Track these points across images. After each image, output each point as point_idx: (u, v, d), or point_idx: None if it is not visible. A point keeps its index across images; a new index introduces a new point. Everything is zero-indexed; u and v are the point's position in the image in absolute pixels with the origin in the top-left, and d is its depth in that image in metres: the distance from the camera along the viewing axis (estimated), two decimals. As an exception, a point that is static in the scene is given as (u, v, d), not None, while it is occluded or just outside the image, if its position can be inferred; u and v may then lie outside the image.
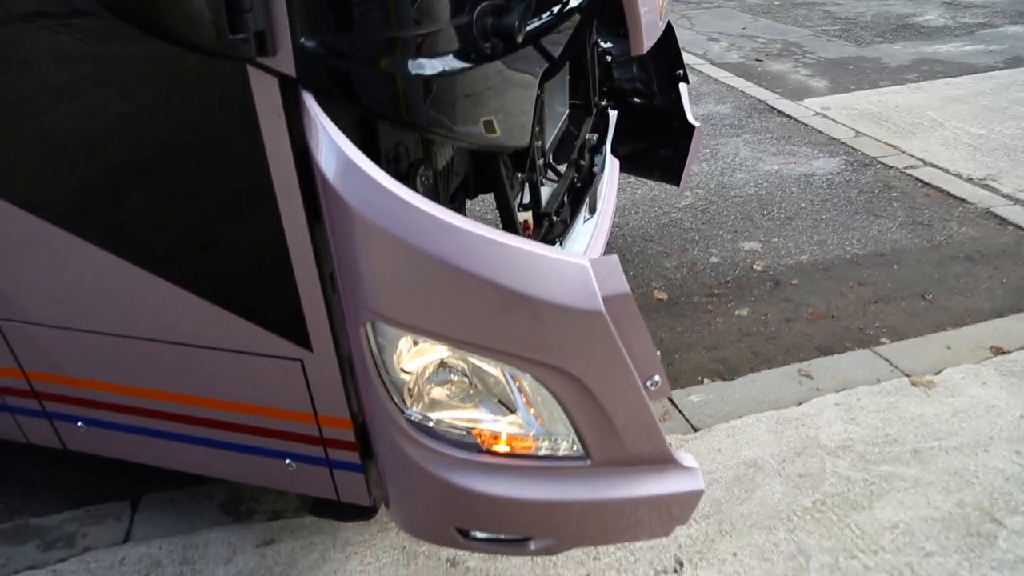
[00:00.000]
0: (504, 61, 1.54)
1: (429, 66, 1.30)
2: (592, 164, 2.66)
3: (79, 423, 1.88)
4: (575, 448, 1.42)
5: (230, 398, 1.68)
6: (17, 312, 1.73)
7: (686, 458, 1.47)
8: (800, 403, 2.50)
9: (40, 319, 1.72)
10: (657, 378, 1.35)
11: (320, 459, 1.69)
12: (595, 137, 2.71)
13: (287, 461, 1.72)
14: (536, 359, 1.27)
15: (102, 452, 1.96)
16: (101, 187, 1.48)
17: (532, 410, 1.41)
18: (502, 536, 1.59)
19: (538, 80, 1.76)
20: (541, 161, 2.04)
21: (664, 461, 1.45)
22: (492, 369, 1.40)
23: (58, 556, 2.02)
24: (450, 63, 1.35)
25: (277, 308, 1.47)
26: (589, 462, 1.41)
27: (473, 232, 1.19)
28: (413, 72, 1.27)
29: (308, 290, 1.41)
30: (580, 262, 1.22)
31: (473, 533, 1.59)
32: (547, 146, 2.15)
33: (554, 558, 1.93)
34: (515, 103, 1.67)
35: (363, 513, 1.80)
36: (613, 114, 3.15)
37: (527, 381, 1.36)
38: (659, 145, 3.30)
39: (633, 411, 1.35)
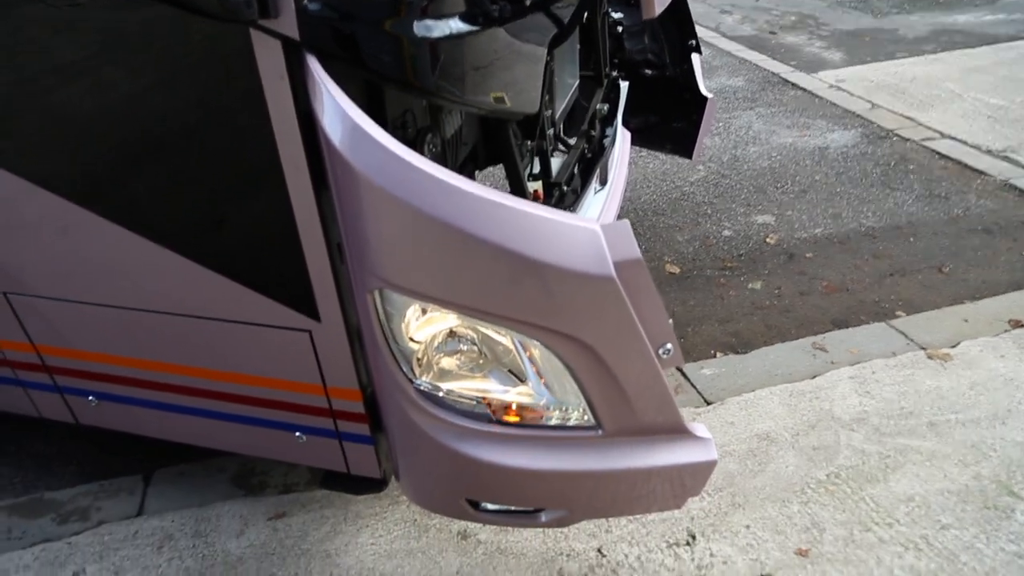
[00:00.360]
0: (512, 26, 1.51)
1: (436, 28, 1.27)
2: (603, 135, 2.62)
3: (90, 397, 1.88)
4: (586, 418, 1.40)
5: (240, 370, 1.67)
6: (27, 286, 1.72)
7: (699, 428, 1.45)
8: (814, 376, 2.48)
9: (50, 292, 1.71)
10: (669, 346, 1.33)
11: (330, 431, 1.68)
12: (606, 108, 2.67)
13: (297, 433, 1.72)
14: (546, 326, 1.25)
15: (114, 426, 1.97)
16: (105, 158, 1.46)
17: (542, 379, 1.39)
18: (513, 508, 1.59)
19: (547, 46, 1.73)
20: (551, 131, 2.01)
21: (677, 431, 1.43)
22: (502, 338, 1.38)
23: (72, 529, 2.04)
24: (458, 25, 1.32)
25: (285, 278, 1.46)
26: (600, 432, 1.40)
27: (481, 196, 1.16)
28: (420, 34, 1.24)
29: (315, 259, 1.39)
30: (591, 226, 1.20)
31: (484, 505, 1.59)
32: (557, 115, 2.12)
33: (565, 531, 1.92)
34: (524, 68, 1.64)
35: (373, 486, 1.80)
36: (624, 85, 3.10)
37: (537, 350, 1.34)
38: (671, 117, 3.25)
39: (645, 379, 1.33)
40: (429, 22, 1.26)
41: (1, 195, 1.57)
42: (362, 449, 1.69)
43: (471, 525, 1.93)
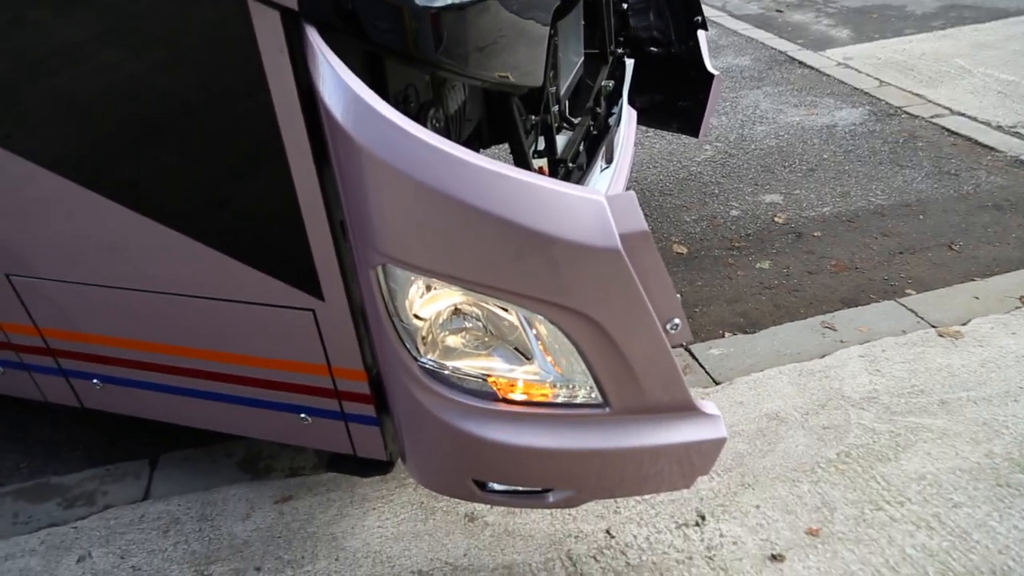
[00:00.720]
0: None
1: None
2: (609, 113, 2.59)
3: (95, 380, 1.87)
4: (593, 395, 1.38)
5: (244, 351, 1.66)
6: (30, 267, 1.71)
7: (708, 405, 1.43)
8: (823, 355, 2.45)
9: (53, 274, 1.70)
10: (677, 321, 1.30)
11: (335, 413, 1.67)
12: (611, 85, 2.63)
13: (302, 415, 1.70)
14: (551, 300, 1.23)
15: (119, 410, 1.96)
16: (105, 138, 1.44)
17: (549, 357, 1.37)
18: (520, 488, 1.57)
19: (550, 17, 1.69)
20: (556, 107, 1.98)
21: (685, 408, 1.41)
22: (507, 315, 1.36)
23: (79, 514, 2.03)
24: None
25: (287, 257, 1.44)
26: (608, 410, 1.38)
27: (484, 167, 1.14)
28: (422, 3, 1.21)
29: (318, 237, 1.37)
30: (596, 197, 1.18)
31: (490, 485, 1.57)
32: (562, 93, 2.08)
33: (573, 512, 1.91)
34: (528, 41, 1.60)
35: (380, 468, 1.79)
36: (630, 63, 3.06)
37: (543, 326, 1.32)
38: (677, 96, 3.21)
39: (653, 355, 1.31)
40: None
41: (4, 176, 1.56)
42: (368, 431, 1.68)
43: (478, 507, 1.92)
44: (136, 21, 1.28)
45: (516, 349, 1.41)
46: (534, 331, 1.35)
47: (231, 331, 1.64)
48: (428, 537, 1.86)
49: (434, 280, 1.27)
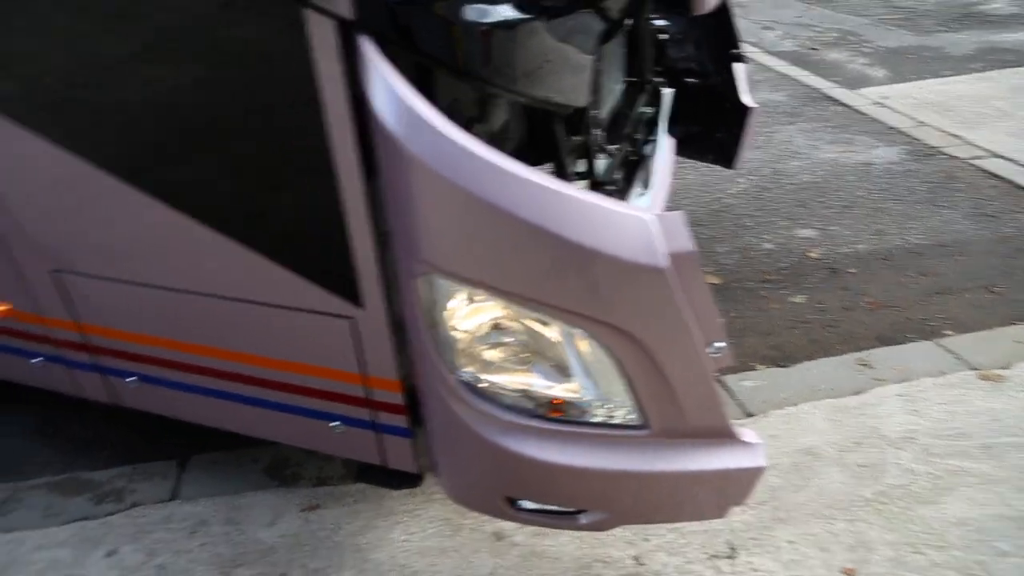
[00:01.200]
0: (566, 17, 1.47)
1: (493, 14, 1.24)
2: (646, 140, 2.57)
3: (131, 378, 1.87)
4: (632, 416, 1.35)
5: (279, 356, 1.64)
6: (75, 264, 1.72)
7: (747, 433, 1.39)
8: (859, 392, 2.38)
9: (97, 272, 1.71)
10: (720, 344, 1.27)
11: (367, 422, 1.65)
12: (649, 112, 2.62)
13: (334, 423, 1.68)
14: (595, 316, 1.20)
15: (152, 409, 1.96)
16: (155, 139, 1.45)
17: (589, 375, 1.34)
18: (552, 507, 1.53)
19: (596, 41, 1.69)
20: (596, 131, 1.96)
21: (725, 435, 1.37)
22: (548, 330, 1.33)
23: (108, 510, 2.02)
24: (515, 13, 1.28)
25: (328, 263, 1.43)
26: (647, 431, 1.34)
27: (534, 181, 1.12)
28: (476, 20, 1.21)
29: (360, 244, 1.36)
30: (645, 216, 1.15)
31: (522, 503, 1.53)
32: (602, 116, 2.07)
33: (602, 536, 1.86)
34: (574, 62, 1.59)
35: (409, 480, 1.76)
36: (668, 92, 3.05)
37: (585, 343, 1.29)
38: (713, 127, 3.19)
39: (694, 378, 1.28)
40: (485, 7, 1.23)
41: (54, 175, 1.58)
42: (399, 442, 1.65)
43: (506, 526, 1.87)
44: (193, 27, 1.29)
45: (555, 366, 1.38)
46: (575, 348, 1.32)
47: (268, 335, 1.63)
48: (455, 554, 1.81)
49: (479, 292, 1.25)
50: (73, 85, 1.44)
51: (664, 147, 2.81)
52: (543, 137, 1.68)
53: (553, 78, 1.49)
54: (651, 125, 2.67)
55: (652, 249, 1.14)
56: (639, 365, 1.25)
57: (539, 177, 1.13)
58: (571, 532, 1.85)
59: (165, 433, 2.21)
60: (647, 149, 2.55)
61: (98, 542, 1.91)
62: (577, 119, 1.76)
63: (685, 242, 1.16)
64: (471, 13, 1.21)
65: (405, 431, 1.62)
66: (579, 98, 1.62)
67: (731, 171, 3.66)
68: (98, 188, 1.53)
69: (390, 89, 1.16)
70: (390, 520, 1.91)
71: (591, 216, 1.14)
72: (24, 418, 2.46)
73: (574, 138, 1.80)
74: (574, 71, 1.59)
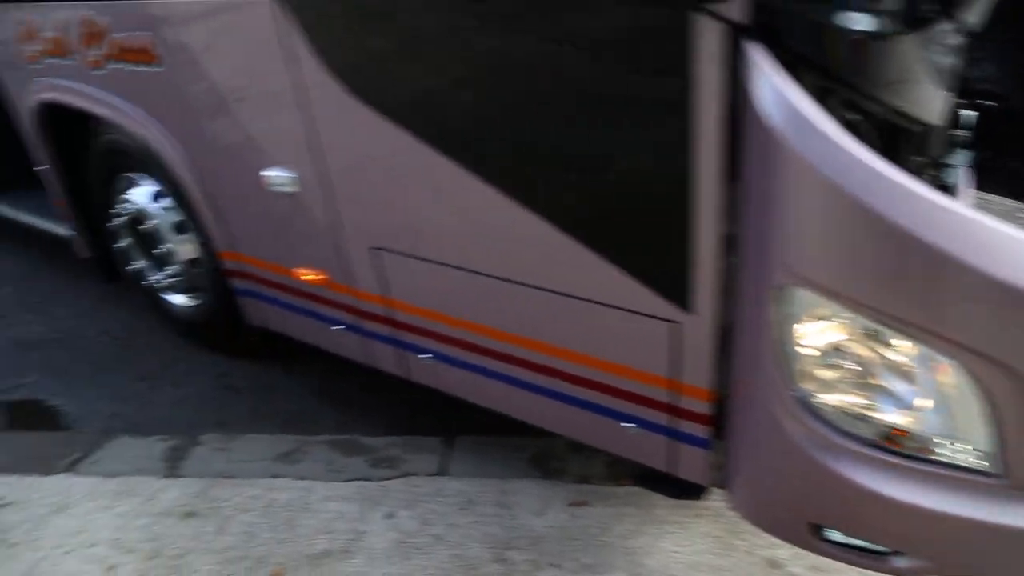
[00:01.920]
0: (933, 32, 1.46)
1: (882, 24, 1.27)
2: (957, 164, 2.45)
3: (426, 355, 2.10)
4: (984, 462, 1.31)
5: (584, 351, 1.77)
6: (394, 243, 1.96)
7: None
8: None
9: (413, 252, 1.93)
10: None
11: (664, 427, 1.73)
12: (960, 135, 2.49)
13: (626, 424, 1.78)
14: (976, 347, 1.19)
15: (437, 385, 2.18)
16: (506, 130, 1.62)
17: (943, 408, 1.32)
18: (862, 544, 1.53)
19: (952, 58, 1.65)
20: (936, 150, 1.92)
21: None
22: (901, 356, 1.33)
23: (383, 474, 2.28)
24: (900, 24, 1.30)
25: (664, 265, 1.52)
26: (1005, 481, 1.30)
27: (934, 200, 1.14)
28: (862, 28, 1.24)
29: (703, 249, 1.44)
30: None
31: (828, 533, 1.54)
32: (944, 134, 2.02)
33: (892, 586, 1.81)
34: (933, 77, 1.57)
35: (690, 492, 1.83)
36: (970, 114, 2.87)
37: (948, 374, 1.28)
38: (1008, 155, 2.95)
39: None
40: (874, 18, 1.26)
41: (400, 162, 1.81)
42: (694, 452, 1.72)
43: (781, 554, 1.88)
44: (575, 25, 1.43)
45: (900, 393, 1.37)
46: (932, 378, 1.31)
47: (576, 329, 1.76)
48: (727, 573, 1.86)
49: (842, 308, 1.28)
50: (441, 80, 1.65)
51: (965, 175, 2.65)
52: (889, 153, 1.68)
53: (914, 92, 1.48)
54: (961, 148, 2.53)
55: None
56: (1015, 407, 1.22)
57: (937, 196, 1.14)
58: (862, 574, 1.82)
59: (432, 409, 2.45)
60: (952, 176, 2.43)
61: (378, 503, 2.16)
62: (922, 137, 1.73)
63: None
64: (871, 24, 1.24)
65: (703, 441, 1.68)
66: (935, 115, 1.59)
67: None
68: (438, 174, 1.73)
69: (779, 93, 1.22)
70: (660, 529, 1.99)
71: (992, 240, 1.13)
72: (306, 380, 2.85)
73: (917, 157, 1.78)
74: (933, 86, 1.57)
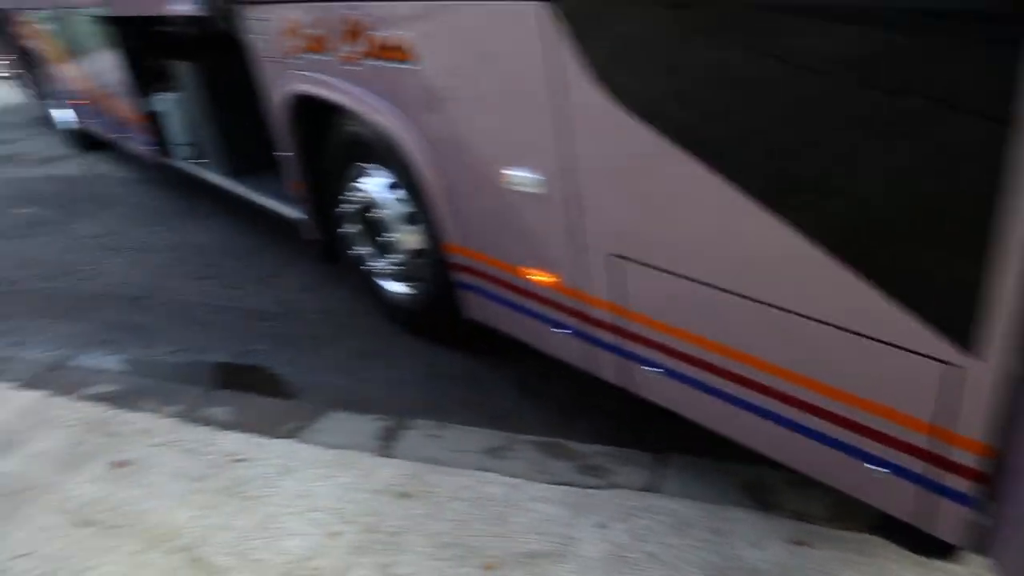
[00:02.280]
0: None
1: None
2: None
3: (654, 369, 2.12)
4: None
5: (834, 384, 1.72)
6: (636, 252, 1.99)
7: None
8: None
9: (655, 263, 1.96)
10: None
11: (919, 476, 1.65)
12: None
13: (876, 467, 1.71)
14: None
15: (660, 401, 2.20)
16: (790, 150, 1.60)
17: None
18: None
19: None
20: None
21: None
22: None
23: (590, 482, 2.34)
24: None
25: (952, 303, 1.45)
26: None
27: None
28: None
29: (1000, 287, 1.35)
30: None
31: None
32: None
33: None
34: None
35: (938, 550, 1.73)
36: None
37: None
38: None
39: None
40: None
41: (658, 171, 1.83)
42: (953, 508, 1.62)
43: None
44: (883, 46, 1.39)
45: None
46: None
47: (830, 360, 1.71)
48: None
49: None
50: (720, 105, 1.66)
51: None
52: None
53: None
54: None
55: None
56: None
57: None
58: None
59: (642, 423, 2.48)
60: None
61: (587, 511, 2.22)
62: None
63: None
64: None
65: (966, 499, 1.59)
66: None
67: None
68: (704, 191, 1.73)
69: None
70: (892, 583, 1.90)
71: None
72: (513, 377, 2.98)
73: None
74: None
